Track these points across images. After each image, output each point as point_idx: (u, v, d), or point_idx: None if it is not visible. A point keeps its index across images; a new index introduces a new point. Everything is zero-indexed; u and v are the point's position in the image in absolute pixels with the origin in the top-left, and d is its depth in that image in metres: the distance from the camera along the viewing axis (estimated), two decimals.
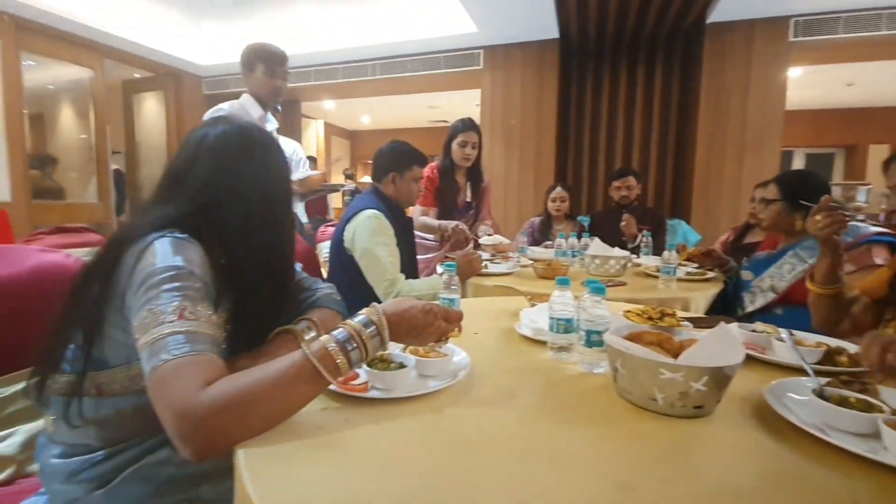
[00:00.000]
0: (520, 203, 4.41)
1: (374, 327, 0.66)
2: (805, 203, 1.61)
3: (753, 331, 0.98)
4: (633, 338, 0.77)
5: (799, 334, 0.96)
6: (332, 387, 0.68)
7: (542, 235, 3.02)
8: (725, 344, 0.68)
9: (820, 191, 1.65)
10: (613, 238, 2.98)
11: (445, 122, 8.81)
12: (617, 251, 1.98)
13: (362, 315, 0.67)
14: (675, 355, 0.70)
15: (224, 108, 1.94)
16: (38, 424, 0.94)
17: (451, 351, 0.82)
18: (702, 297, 1.66)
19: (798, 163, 7.30)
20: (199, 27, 4.76)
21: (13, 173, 3.91)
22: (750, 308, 1.70)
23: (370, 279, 1.65)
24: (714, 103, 3.87)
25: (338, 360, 0.62)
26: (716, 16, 3.65)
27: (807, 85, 5.41)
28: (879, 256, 1.46)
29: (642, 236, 2.58)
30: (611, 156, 4.33)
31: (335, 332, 0.65)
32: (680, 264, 2.12)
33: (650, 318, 1.02)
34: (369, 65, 4.86)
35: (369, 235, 1.65)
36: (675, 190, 4.25)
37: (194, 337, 0.60)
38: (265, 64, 1.97)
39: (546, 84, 4.30)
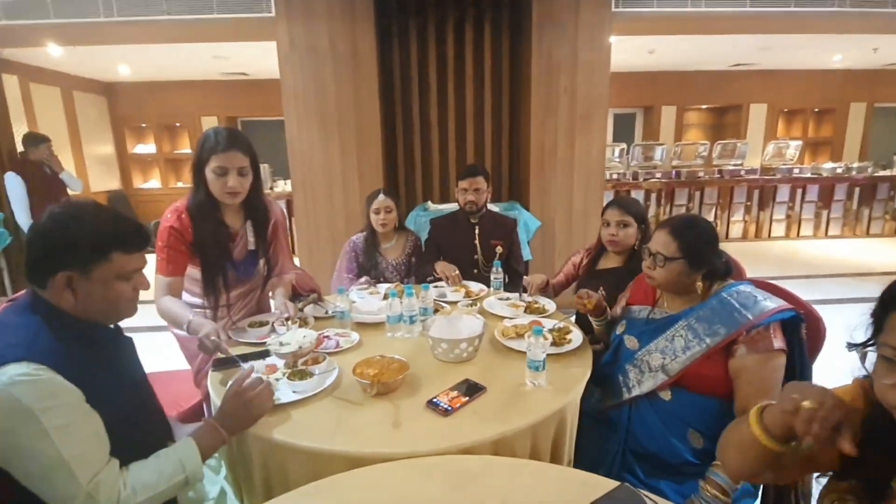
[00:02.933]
0: (346, 199, 3.57)
1: None
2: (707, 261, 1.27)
3: None
4: None
5: None
6: None
7: (367, 259, 2.33)
8: None
9: (713, 241, 1.32)
10: (461, 252, 2.44)
11: (245, 74, 7.08)
12: (465, 325, 1.42)
13: None
14: None
15: None
16: None
17: None
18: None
19: (609, 121, 7.80)
20: None
21: None
22: (636, 391, 1.33)
23: (41, 495, 0.83)
24: (545, 72, 3.52)
25: None
26: None
27: (616, 51, 5.57)
28: (778, 338, 1.17)
29: (496, 262, 2.08)
30: (444, 133, 3.76)
31: None
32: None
33: None
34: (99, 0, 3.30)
35: (21, 420, 0.79)
36: (512, 171, 3.93)
37: None
38: None
39: (362, 43, 3.42)
